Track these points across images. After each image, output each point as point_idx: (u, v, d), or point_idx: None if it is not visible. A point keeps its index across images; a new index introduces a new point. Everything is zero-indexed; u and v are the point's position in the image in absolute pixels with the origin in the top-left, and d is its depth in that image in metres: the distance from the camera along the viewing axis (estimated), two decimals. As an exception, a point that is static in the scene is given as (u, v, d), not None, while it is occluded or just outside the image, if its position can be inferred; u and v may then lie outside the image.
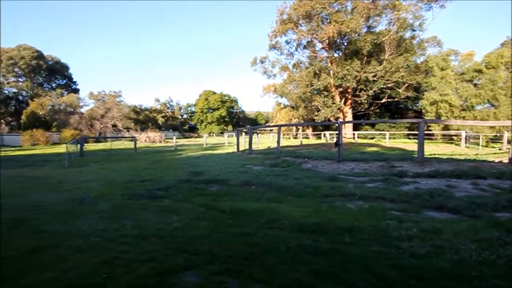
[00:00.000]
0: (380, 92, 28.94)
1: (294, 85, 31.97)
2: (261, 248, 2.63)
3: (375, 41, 25.58)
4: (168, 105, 58.90)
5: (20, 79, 44.00)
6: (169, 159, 12.79)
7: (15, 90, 43.75)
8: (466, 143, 18.48)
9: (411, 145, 17.69)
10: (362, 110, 30.83)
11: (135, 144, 19.33)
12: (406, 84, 28.09)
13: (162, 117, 56.71)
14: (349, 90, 29.07)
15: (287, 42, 30.45)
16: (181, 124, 61.53)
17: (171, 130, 54.13)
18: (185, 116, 65.12)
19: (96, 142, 29.44)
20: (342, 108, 29.57)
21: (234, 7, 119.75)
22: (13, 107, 43.43)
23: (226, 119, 60.81)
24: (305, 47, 30.68)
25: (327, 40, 27.49)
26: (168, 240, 2.88)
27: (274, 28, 28.98)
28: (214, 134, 54.44)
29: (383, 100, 30.22)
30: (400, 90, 28.51)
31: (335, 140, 18.81)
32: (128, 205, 4.43)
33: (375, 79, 26.86)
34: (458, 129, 20.72)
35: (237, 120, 65.29)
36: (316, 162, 9.62)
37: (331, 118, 29.35)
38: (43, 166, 11.00)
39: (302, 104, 33.22)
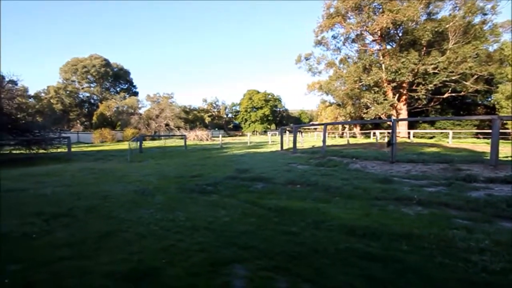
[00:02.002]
0: (442, 86, 25.75)
1: (341, 82, 30.49)
2: (308, 248, 2.58)
3: (436, 29, 22.82)
4: (214, 104, 61.89)
5: (91, 84, 51.04)
6: (216, 156, 13.39)
7: (88, 94, 51.08)
8: (555, 143, 15.41)
9: (481, 146, 15.43)
10: (420, 106, 27.86)
11: (185, 141, 20.69)
12: (475, 76, 24.46)
13: (209, 116, 59.82)
14: (404, 84, 26.59)
15: (334, 37, 29.21)
16: (226, 123, 64.00)
17: (217, 129, 56.62)
18: (230, 115, 67.53)
19: (152, 140, 32.47)
20: (395, 105, 27.21)
21: (278, 5, 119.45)
22: (86, 109, 50.70)
23: (269, 117, 61.22)
24: (353, 41, 29.01)
25: (379, 32, 25.57)
26: (218, 233, 3.03)
27: (320, 23, 28.06)
28: (258, 133, 55.22)
29: (446, 95, 26.85)
30: (468, 83, 24.89)
31: (386, 139, 17.45)
32: (180, 198, 4.77)
33: (436, 71, 24.04)
34: (545, 127, 17.43)
35: (281, 119, 65.24)
36: (366, 162, 9.05)
37: (382, 116, 27.24)
38: (110, 160, 12.53)
39: (350, 101, 31.48)
